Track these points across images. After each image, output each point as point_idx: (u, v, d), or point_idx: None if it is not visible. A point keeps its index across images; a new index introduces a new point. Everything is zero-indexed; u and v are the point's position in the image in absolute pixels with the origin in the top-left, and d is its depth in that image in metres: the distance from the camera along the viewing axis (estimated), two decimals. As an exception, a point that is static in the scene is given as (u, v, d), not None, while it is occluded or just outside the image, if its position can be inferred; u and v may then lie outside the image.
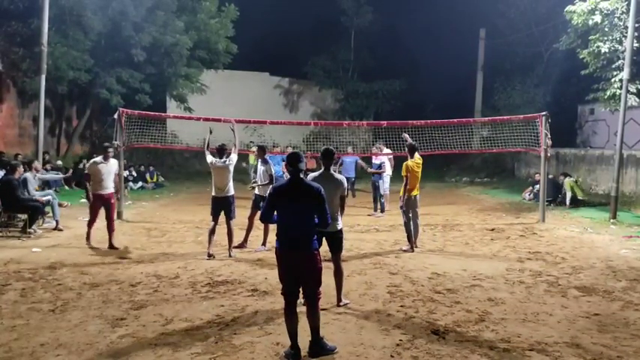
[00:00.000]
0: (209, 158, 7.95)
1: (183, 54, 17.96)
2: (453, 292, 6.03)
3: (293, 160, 4.28)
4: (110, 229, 8.38)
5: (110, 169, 8.41)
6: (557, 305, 5.58)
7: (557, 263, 7.53)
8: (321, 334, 4.43)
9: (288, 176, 4.37)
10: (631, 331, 4.84)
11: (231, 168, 7.82)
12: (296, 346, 4.19)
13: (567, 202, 13.38)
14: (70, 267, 7.06)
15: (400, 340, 4.55)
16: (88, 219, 8.53)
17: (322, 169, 5.49)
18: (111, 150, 8.54)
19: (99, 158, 8.42)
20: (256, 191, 8.53)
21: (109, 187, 8.37)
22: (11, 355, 4.22)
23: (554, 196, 13.75)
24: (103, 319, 5.06)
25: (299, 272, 4.26)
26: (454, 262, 7.56)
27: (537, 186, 13.13)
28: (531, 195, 14.67)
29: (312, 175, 5.54)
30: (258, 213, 8.70)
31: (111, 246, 8.26)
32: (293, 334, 4.20)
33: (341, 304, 5.51)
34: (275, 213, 4.35)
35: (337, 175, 5.53)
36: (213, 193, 7.83)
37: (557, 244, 8.97)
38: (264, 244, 8.37)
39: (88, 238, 8.43)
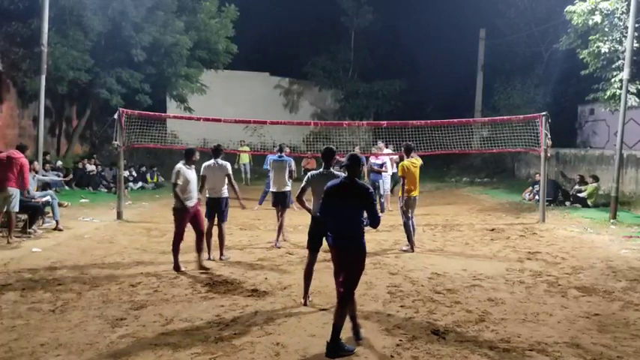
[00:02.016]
0: (202, 171, 7.60)
1: (183, 54, 17.94)
2: (453, 292, 6.03)
3: (353, 163, 4.51)
4: (201, 246, 7.17)
5: (195, 175, 7.15)
6: (557, 305, 5.59)
7: (557, 263, 7.53)
8: (322, 333, 4.44)
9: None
10: (631, 331, 4.84)
11: (225, 171, 7.64)
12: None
13: (562, 197, 13.36)
14: (70, 267, 7.06)
15: (400, 340, 4.56)
16: (172, 241, 6.99)
17: (322, 167, 5.49)
18: (197, 153, 7.25)
19: (181, 163, 6.99)
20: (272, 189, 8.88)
21: (196, 197, 7.14)
22: (11, 355, 4.22)
23: (554, 196, 13.75)
24: (103, 319, 5.06)
25: (346, 264, 4.46)
26: (454, 262, 7.56)
27: (537, 186, 13.13)
28: (532, 195, 14.67)
29: (311, 173, 5.55)
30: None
31: (201, 267, 7.05)
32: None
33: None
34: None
35: (338, 173, 5.52)
36: (207, 195, 7.74)
37: (557, 244, 8.97)
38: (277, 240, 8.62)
39: (177, 266, 6.92)
